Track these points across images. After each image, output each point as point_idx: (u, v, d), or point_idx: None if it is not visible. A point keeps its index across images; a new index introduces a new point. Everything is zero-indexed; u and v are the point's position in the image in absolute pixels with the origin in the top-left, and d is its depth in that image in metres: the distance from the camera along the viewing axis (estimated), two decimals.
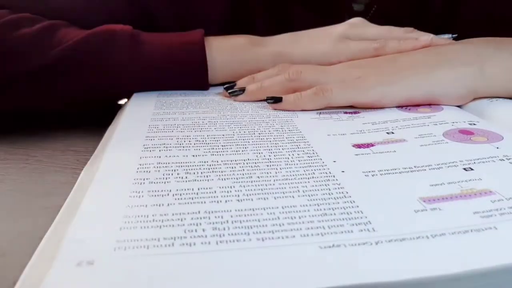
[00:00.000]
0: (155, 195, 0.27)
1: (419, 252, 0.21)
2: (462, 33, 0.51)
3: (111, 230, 0.24)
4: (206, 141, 0.36)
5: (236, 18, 0.58)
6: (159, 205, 0.26)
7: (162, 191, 0.28)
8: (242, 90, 0.47)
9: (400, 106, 0.42)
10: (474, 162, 0.30)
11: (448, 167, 0.30)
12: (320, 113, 0.42)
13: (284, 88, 0.45)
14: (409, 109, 0.41)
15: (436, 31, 0.50)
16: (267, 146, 0.34)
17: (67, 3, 0.53)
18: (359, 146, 0.34)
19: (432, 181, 0.28)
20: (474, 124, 0.37)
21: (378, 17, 0.56)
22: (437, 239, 0.22)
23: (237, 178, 0.29)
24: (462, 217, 0.24)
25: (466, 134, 0.35)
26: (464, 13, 0.56)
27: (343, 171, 0.30)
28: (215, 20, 0.56)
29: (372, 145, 0.34)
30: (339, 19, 0.53)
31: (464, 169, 0.29)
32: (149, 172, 0.30)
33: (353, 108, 0.43)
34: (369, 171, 0.30)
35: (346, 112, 0.42)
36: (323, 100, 0.42)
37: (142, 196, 0.27)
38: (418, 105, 0.42)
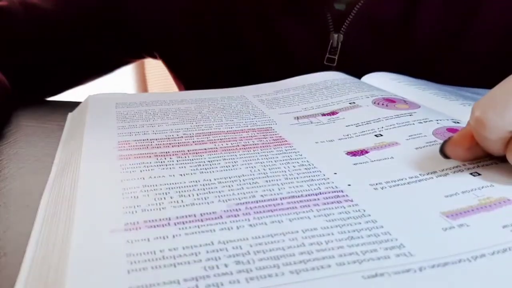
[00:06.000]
0: (155, 226, 0.25)
1: (467, 276, 0.20)
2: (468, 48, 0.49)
3: (117, 275, 0.21)
4: (188, 157, 0.33)
5: (223, 31, 0.57)
6: (164, 238, 0.23)
7: (160, 220, 0.25)
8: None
9: (377, 103, 0.41)
10: (478, 166, 0.29)
11: (454, 172, 0.29)
12: (298, 118, 0.40)
13: None
14: (387, 106, 0.40)
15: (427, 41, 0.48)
16: (257, 159, 0.32)
17: None
18: (353, 153, 0.33)
19: (444, 191, 0.27)
20: (458, 122, 0.36)
21: (361, 18, 0.53)
22: (479, 262, 0.21)
23: (239, 199, 0.27)
24: (493, 233, 0.23)
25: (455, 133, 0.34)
26: (475, 25, 0.53)
27: (349, 185, 0.28)
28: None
29: (366, 151, 0.33)
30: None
31: (471, 174, 0.29)
32: (137, 197, 0.27)
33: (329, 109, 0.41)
34: (377, 183, 0.28)
35: (324, 114, 0.40)
36: None
37: (140, 228, 0.24)
38: (393, 101, 0.41)
